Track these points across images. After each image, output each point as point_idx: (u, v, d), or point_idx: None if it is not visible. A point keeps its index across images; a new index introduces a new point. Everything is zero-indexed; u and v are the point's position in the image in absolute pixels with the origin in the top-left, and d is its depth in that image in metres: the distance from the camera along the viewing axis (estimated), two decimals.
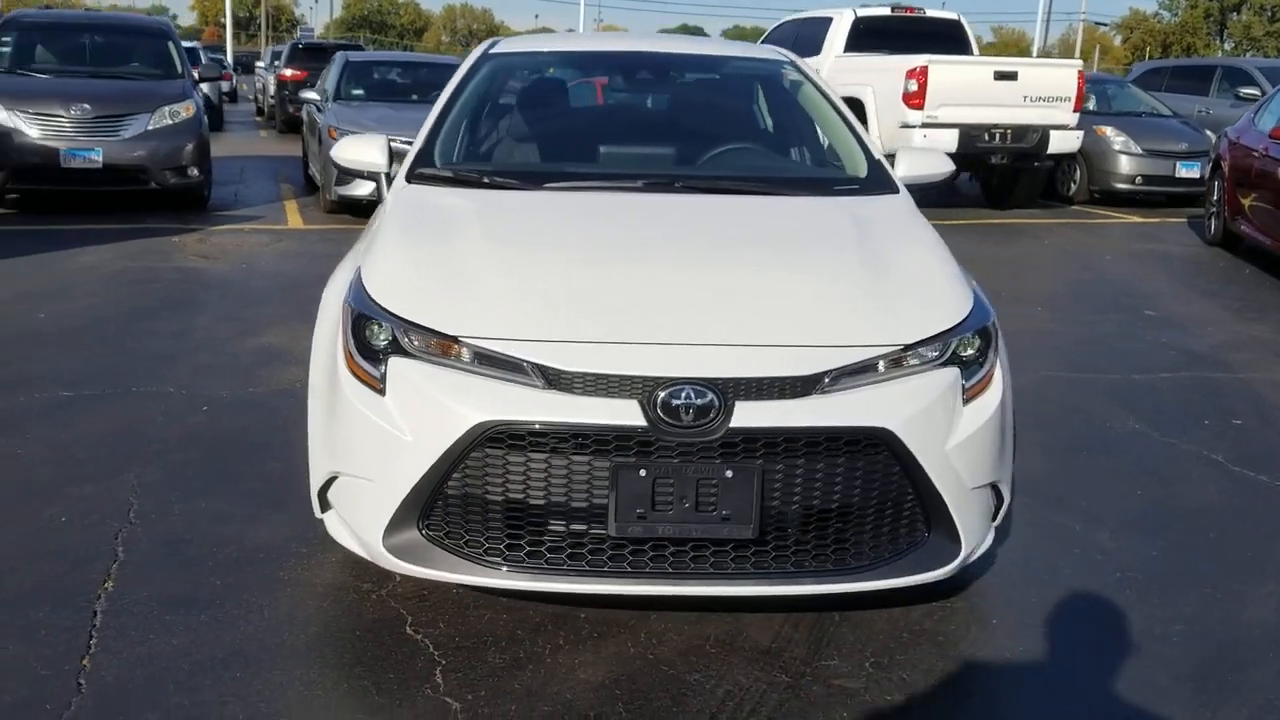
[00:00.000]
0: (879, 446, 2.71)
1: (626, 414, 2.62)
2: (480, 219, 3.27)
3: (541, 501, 2.68)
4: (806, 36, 13.37)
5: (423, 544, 2.74)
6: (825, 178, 3.83)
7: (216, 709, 2.61)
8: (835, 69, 12.57)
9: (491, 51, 4.37)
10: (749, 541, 2.70)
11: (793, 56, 4.43)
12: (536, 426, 2.63)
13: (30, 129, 9.45)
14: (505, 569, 2.72)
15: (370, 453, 2.80)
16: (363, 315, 2.85)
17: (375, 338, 2.81)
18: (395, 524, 2.74)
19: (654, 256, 3.08)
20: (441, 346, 2.74)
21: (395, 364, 2.77)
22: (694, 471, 2.63)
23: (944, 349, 2.87)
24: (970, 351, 2.93)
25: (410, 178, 3.65)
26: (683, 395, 2.63)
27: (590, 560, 2.71)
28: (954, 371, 2.87)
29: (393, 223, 3.29)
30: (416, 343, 2.76)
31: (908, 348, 2.81)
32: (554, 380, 2.65)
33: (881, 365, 2.78)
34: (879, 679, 2.83)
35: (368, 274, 2.98)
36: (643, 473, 2.63)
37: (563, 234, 3.24)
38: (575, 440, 2.63)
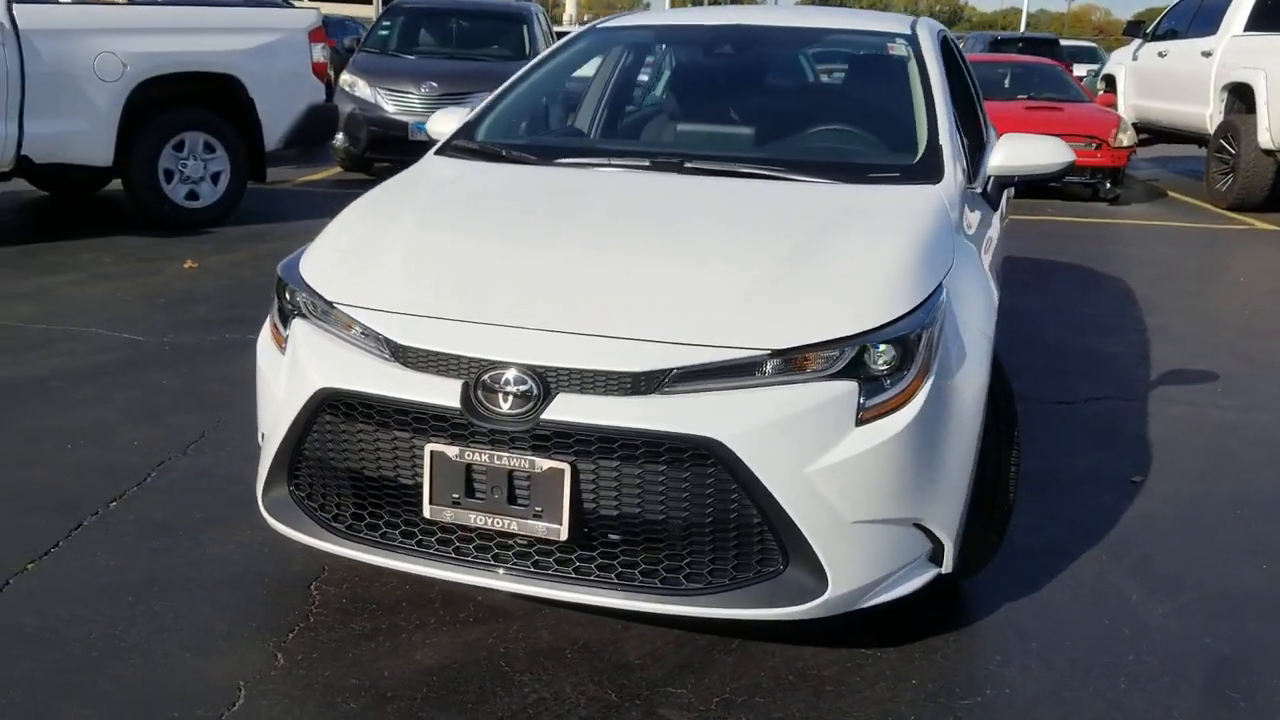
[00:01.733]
0: (707, 459, 2.42)
1: (446, 394, 2.53)
2: (442, 194, 3.27)
3: (373, 475, 2.65)
4: (1208, 10, 11.92)
5: (289, 503, 2.80)
6: (864, 164, 3.43)
7: (85, 624, 2.83)
8: (1229, 50, 11.12)
9: (598, 26, 4.31)
10: (563, 543, 2.52)
11: (914, 29, 3.98)
12: (365, 398, 2.60)
13: (387, 105, 10.52)
14: (343, 538, 2.72)
15: (265, 409, 2.90)
16: (281, 280, 2.95)
17: (286, 301, 2.91)
18: (270, 480, 2.82)
19: (568, 239, 2.91)
20: (323, 311, 2.78)
21: (295, 325, 2.85)
22: (506, 461, 2.49)
23: (835, 358, 2.50)
24: (879, 364, 2.53)
25: (443, 149, 3.70)
26: (503, 380, 2.49)
27: (420, 540, 2.65)
28: (847, 385, 2.50)
29: (370, 195, 3.36)
30: (306, 306, 2.82)
31: (777, 353, 2.48)
32: (396, 353, 2.61)
33: (744, 369, 2.47)
34: (710, 717, 2.54)
35: (312, 244, 3.07)
36: (455, 456, 2.52)
37: (503, 212, 3.15)
38: (397, 416, 2.58)
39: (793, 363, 2.49)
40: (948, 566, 2.75)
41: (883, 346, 2.55)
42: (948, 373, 2.66)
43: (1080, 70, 21.67)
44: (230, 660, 2.71)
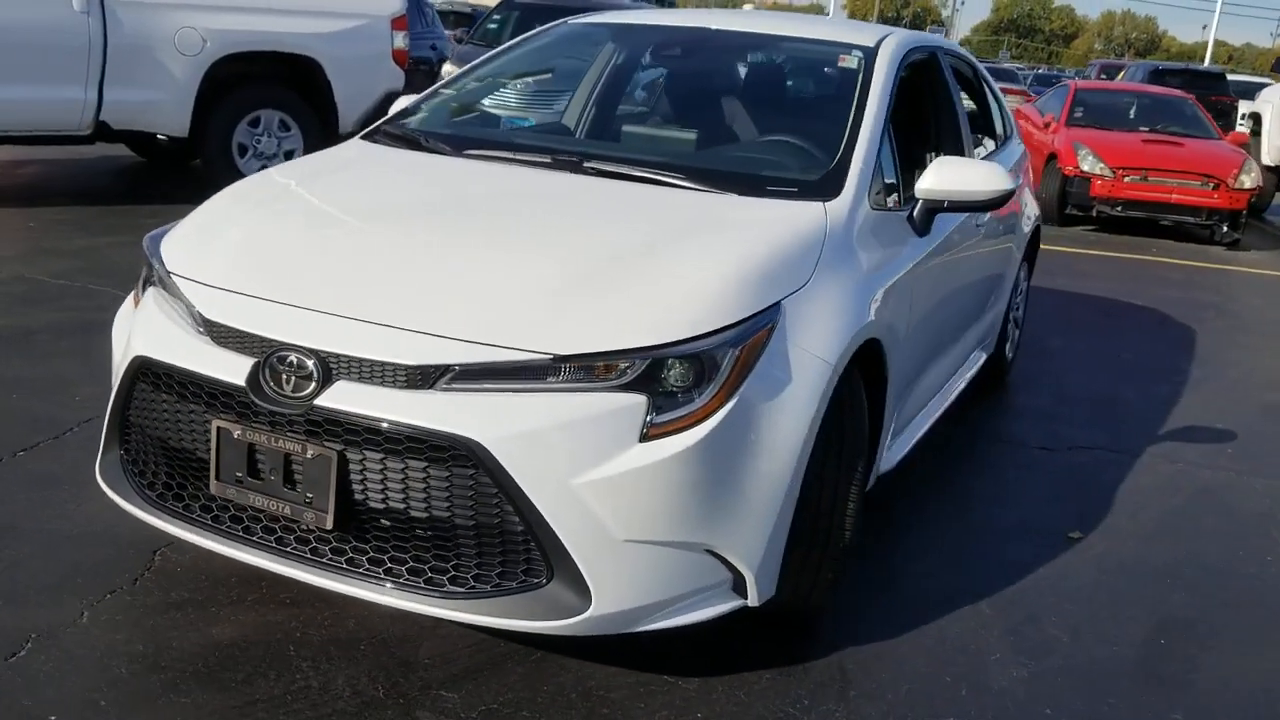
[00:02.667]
0: (468, 461, 2.36)
1: (235, 371, 2.54)
2: (321, 177, 3.28)
3: (176, 446, 2.68)
4: None
5: (117, 468, 2.85)
6: (766, 176, 3.28)
7: None
8: None
9: (568, 21, 4.27)
10: (337, 533, 2.49)
11: (879, 44, 3.80)
12: (168, 368, 2.63)
13: None
14: (153, 506, 2.74)
15: (113, 372, 2.96)
16: (144, 248, 3.01)
17: (148, 269, 2.96)
18: (106, 444, 2.87)
19: (399, 228, 2.85)
20: (162, 280, 2.82)
21: (147, 293, 2.90)
22: (282, 444, 2.48)
23: (625, 369, 2.41)
24: (673, 381, 2.43)
25: (371, 133, 3.72)
26: (287, 361, 2.48)
27: (215, 516, 2.66)
28: (635, 399, 2.40)
29: (261, 173, 3.39)
30: (156, 275, 2.87)
31: (561, 358, 2.40)
32: (203, 326, 2.63)
33: (527, 372, 2.40)
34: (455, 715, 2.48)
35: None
36: (238, 435, 2.53)
37: (358, 198, 3.11)
38: (192, 389, 2.60)
39: (581, 370, 2.41)
40: (753, 599, 2.62)
41: (676, 363, 2.44)
42: (764, 396, 2.53)
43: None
44: (35, 612, 2.77)
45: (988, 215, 4.27)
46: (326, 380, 2.46)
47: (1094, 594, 3.37)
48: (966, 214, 3.85)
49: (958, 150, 4.22)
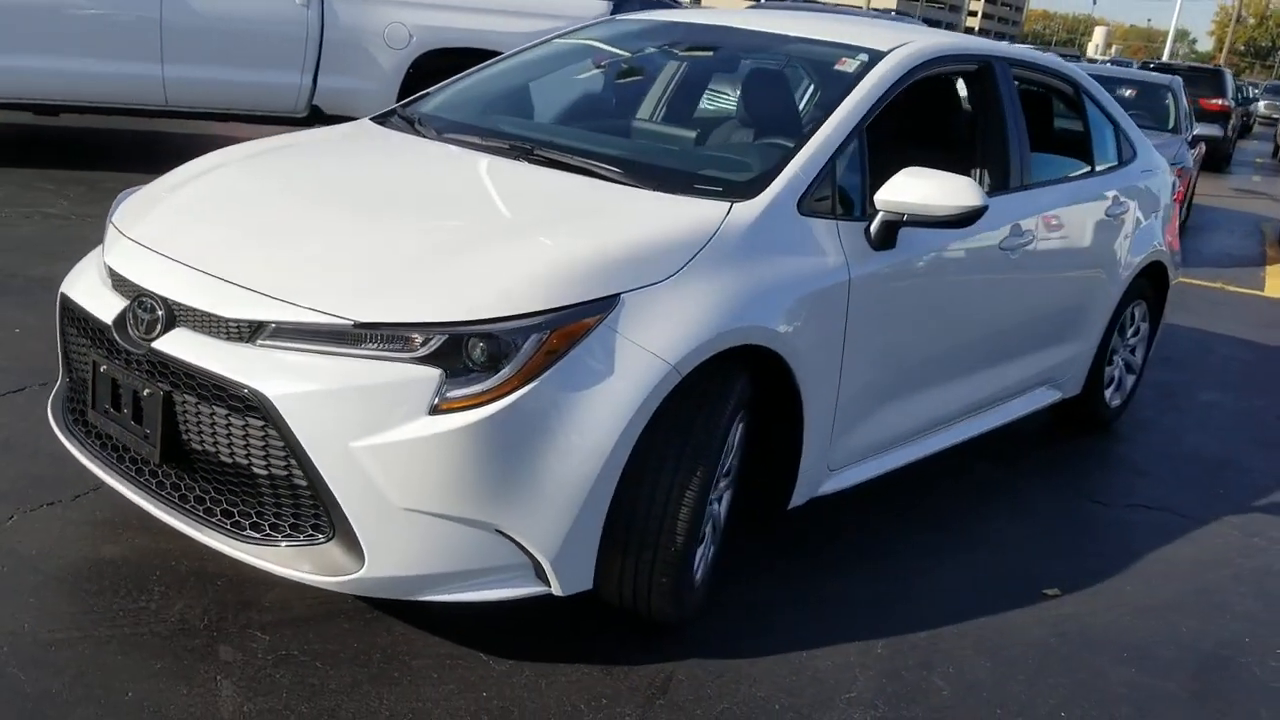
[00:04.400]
0: (258, 413, 2.48)
1: (109, 311, 2.78)
2: (295, 148, 3.49)
3: (79, 377, 2.95)
4: None
5: (60, 398, 3.17)
6: (696, 174, 3.20)
7: None
8: None
9: (600, 19, 4.32)
10: (168, 467, 2.68)
11: (892, 48, 3.62)
12: (67, 302, 2.92)
13: None
14: (64, 430, 3.03)
15: None
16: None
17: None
18: (60, 378, 3.21)
19: (305, 195, 3.02)
20: (110, 230, 3.13)
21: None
22: (131, 381, 2.69)
23: (421, 341, 2.47)
24: (474, 357, 2.47)
25: (382, 115, 3.93)
26: (145, 305, 2.70)
27: (101, 443, 2.90)
28: (429, 372, 2.46)
29: (249, 143, 3.63)
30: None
31: (360, 325, 2.49)
32: (105, 269, 2.90)
33: (333, 336, 2.50)
34: (256, 665, 2.60)
35: None
36: (104, 370, 2.77)
37: (300, 169, 3.28)
38: (82, 324, 2.86)
39: (383, 339, 2.49)
40: (558, 589, 2.61)
41: (477, 341, 2.47)
42: (573, 386, 2.52)
43: None
44: None
45: (1034, 238, 3.97)
46: (169, 325, 2.65)
47: (1021, 656, 3.08)
48: (974, 232, 3.60)
49: (1003, 170, 3.94)
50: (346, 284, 2.57)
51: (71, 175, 7.38)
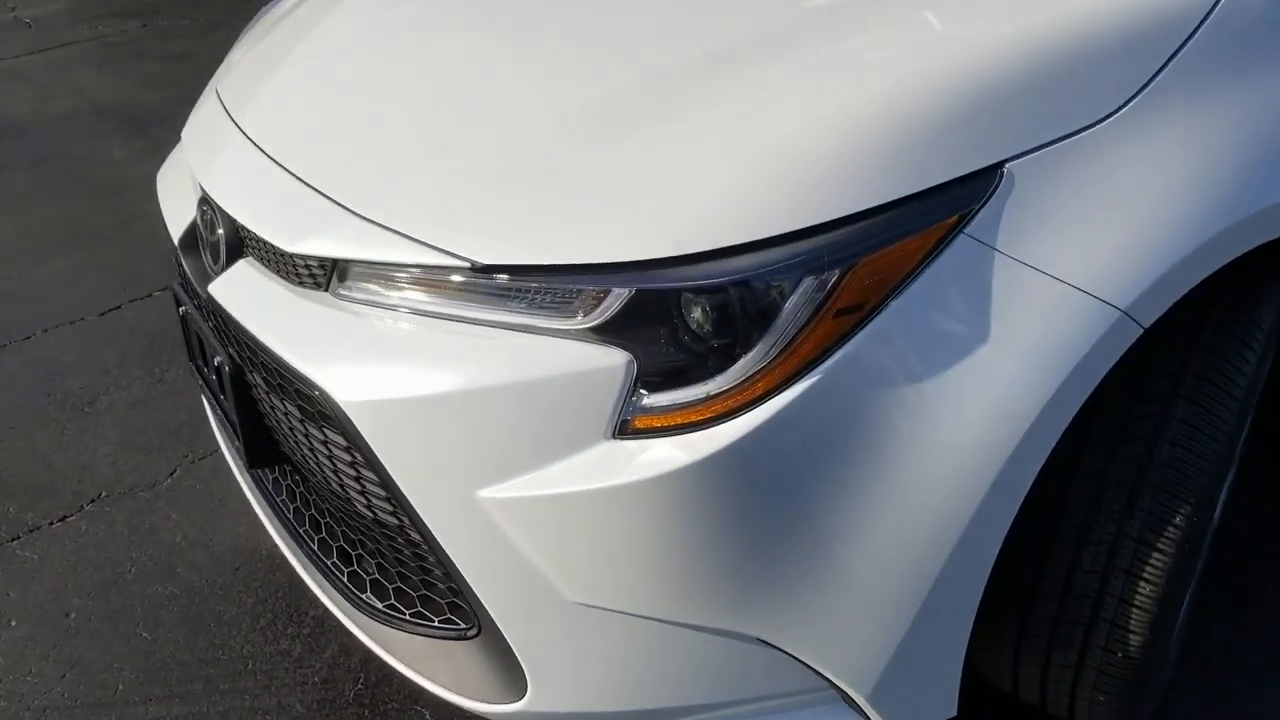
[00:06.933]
0: (335, 425, 1.40)
1: (177, 220, 1.80)
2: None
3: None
4: None
5: None
6: None
7: None
8: None
9: None
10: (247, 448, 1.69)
11: None
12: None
13: None
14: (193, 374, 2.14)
15: None
16: None
17: None
18: None
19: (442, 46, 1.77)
20: None
21: None
22: (207, 335, 1.71)
23: (586, 299, 1.27)
24: (689, 330, 1.25)
25: None
26: (205, 218, 1.68)
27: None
28: (611, 356, 1.25)
29: None
30: None
31: (480, 269, 1.30)
32: None
33: (442, 285, 1.35)
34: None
35: None
36: (182, 309, 1.81)
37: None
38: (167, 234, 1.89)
39: (523, 292, 1.30)
40: None
41: (693, 299, 1.23)
42: (902, 372, 1.23)
43: None
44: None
45: None
46: (235, 254, 1.62)
47: None
48: None
49: None
50: (459, 189, 1.38)
51: None
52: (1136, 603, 1.38)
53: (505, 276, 1.28)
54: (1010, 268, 1.23)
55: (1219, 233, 1.28)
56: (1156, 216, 1.27)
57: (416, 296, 1.35)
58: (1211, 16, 1.34)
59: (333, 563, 1.62)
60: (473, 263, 1.28)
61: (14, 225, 3.46)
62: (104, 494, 2.28)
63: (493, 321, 1.29)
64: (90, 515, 2.22)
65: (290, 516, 1.72)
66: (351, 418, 1.33)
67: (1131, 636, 1.40)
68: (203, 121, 1.81)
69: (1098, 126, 1.28)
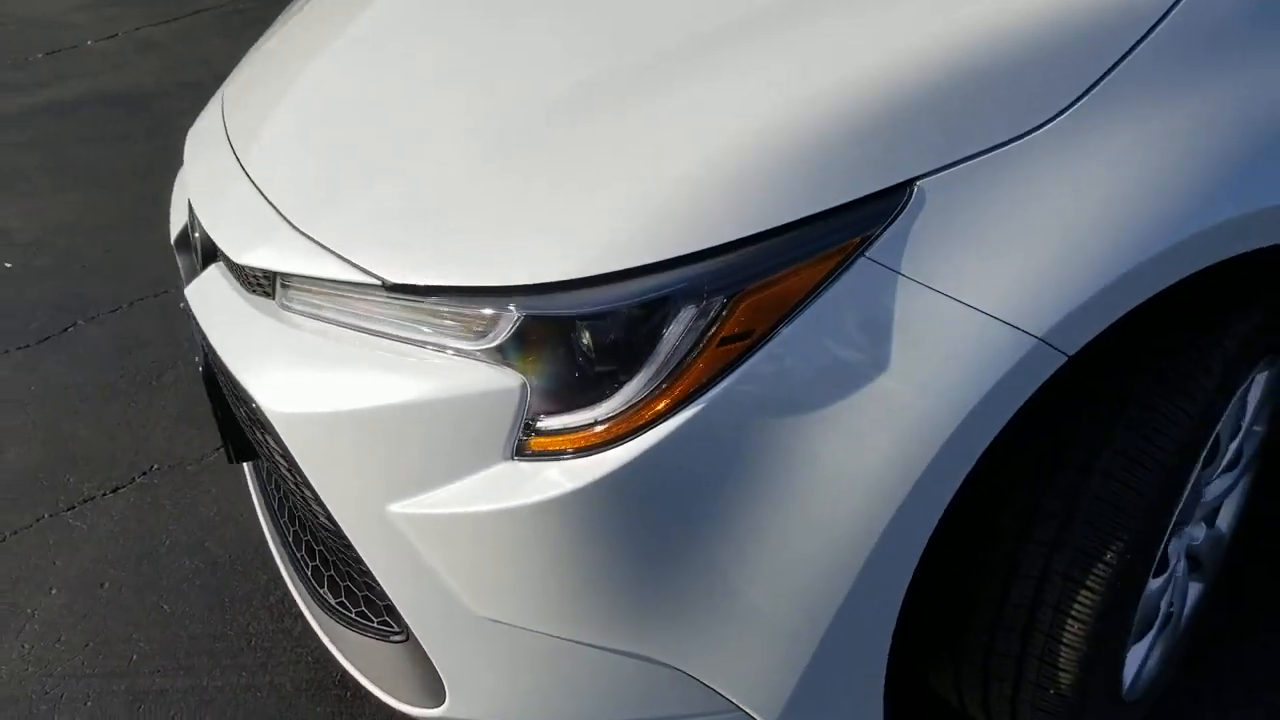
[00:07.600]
0: (270, 432, 1.45)
1: (177, 215, 1.88)
2: None
3: None
4: None
5: None
6: None
7: None
8: None
9: None
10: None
11: None
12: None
13: None
14: None
15: None
16: None
17: None
18: None
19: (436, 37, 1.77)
20: None
21: None
22: (192, 329, 1.78)
23: (488, 323, 1.28)
24: (582, 352, 1.25)
25: None
26: (192, 221, 1.75)
27: None
28: (505, 379, 1.25)
29: None
30: None
31: (392, 287, 1.32)
32: None
33: (364, 304, 1.38)
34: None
35: None
36: (183, 304, 1.89)
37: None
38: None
39: (431, 312, 1.32)
40: None
41: (583, 324, 1.22)
42: (800, 397, 1.20)
43: None
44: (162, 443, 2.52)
45: None
46: (208, 259, 1.68)
47: None
48: None
49: None
50: (392, 209, 1.39)
51: None
52: (1065, 640, 1.31)
53: (413, 296, 1.29)
54: (916, 293, 1.18)
55: (1155, 255, 1.19)
56: (1083, 238, 1.19)
57: (342, 312, 1.37)
58: (1159, 28, 1.24)
59: (301, 555, 1.68)
60: (384, 280, 1.30)
61: (117, 197, 3.65)
62: (155, 466, 2.41)
63: (405, 339, 1.31)
64: (140, 487, 2.35)
65: (275, 505, 1.78)
66: (278, 428, 1.37)
67: (1061, 674, 1.33)
68: (203, 121, 1.87)
69: (1022, 141, 1.20)
